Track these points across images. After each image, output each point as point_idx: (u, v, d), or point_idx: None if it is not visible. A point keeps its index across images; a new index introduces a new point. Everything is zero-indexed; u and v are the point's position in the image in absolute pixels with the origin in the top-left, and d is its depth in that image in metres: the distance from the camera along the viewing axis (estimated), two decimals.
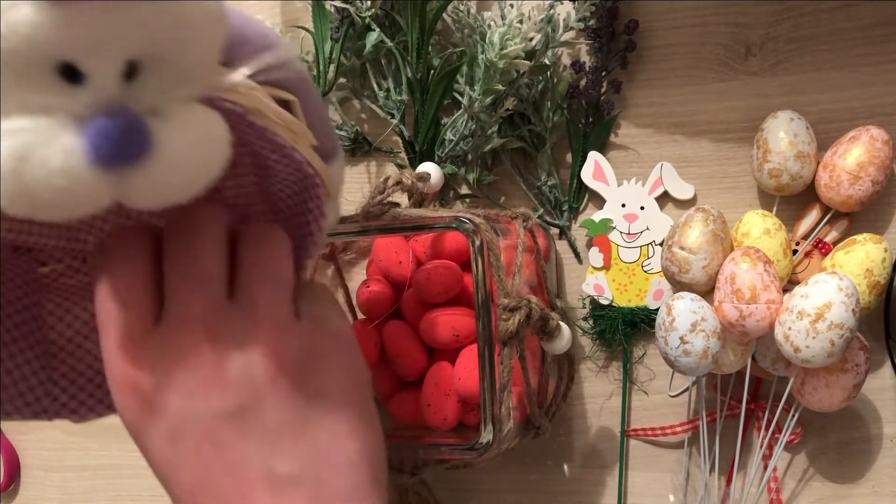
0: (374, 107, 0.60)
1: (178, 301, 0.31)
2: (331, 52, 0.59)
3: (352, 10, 0.58)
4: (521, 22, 0.52)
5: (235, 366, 0.30)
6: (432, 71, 0.57)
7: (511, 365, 0.46)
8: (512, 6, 0.52)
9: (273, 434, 0.30)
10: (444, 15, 0.56)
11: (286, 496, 0.29)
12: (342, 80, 0.61)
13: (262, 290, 0.31)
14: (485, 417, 0.46)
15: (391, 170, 0.61)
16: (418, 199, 0.54)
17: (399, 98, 0.59)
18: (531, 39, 0.54)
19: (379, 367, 0.55)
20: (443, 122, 0.58)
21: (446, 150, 0.57)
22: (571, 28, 0.55)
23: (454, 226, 0.46)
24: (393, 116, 0.59)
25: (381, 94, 0.60)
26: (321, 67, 0.59)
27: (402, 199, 0.55)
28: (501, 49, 0.51)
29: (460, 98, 0.56)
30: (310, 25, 0.59)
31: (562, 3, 0.55)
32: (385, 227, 0.49)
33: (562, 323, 0.50)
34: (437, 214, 0.48)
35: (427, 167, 0.54)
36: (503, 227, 0.49)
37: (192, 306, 0.30)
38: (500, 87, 0.53)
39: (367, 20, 0.58)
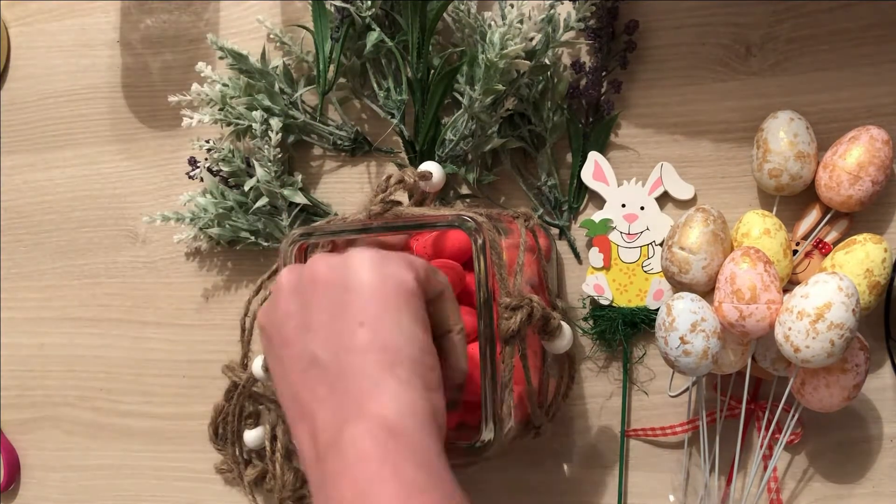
0: (374, 106, 0.60)
1: None
2: (331, 52, 0.59)
3: (352, 9, 0.58)
4: (521, 22, 0.52)
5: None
6: (432, 71, 0.57)
7: (512, 364, 0.46)
8: (512, 6, 0.52)
9: (314, 328, 0.40)
10: (444, 15, 0.56)
11: (311, 375, 0.39)
12: (342, 79, 0.61)
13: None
14: (485, 416, 0.46)
15: (393, 168, 0.61)
16: (419, 199, 0.54)
17: (399, 98, 0.59)
18: (531, 39, 0.54)
19: None
20: (443, 121, 0.58)
21: (446, 149, 0.57)
22: (572, 28, 0.55)
23: (457, 224, 0.46)
24: (393, 116, 0.59)
25: (382, 94, 0.60)
26: (321, 67, 0.59)
27: (403, 198, 0.55)
28: (502, 49, 0.51)
29: (460, 98, 0.56)
30: (310, 25, 0.59)
31: (562, 3, 0.55)
32: (387, 226, 0.49)
33: (563, 322, 0.50)
34: (439, 213, 0.49)
35: (429, 166, 0.54)
36: (505, 227, 0.49)
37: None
38: (500, 86, 0.53)
39: (368, 20, 0.58)
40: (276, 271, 0.51)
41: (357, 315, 0.39)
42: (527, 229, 0.51)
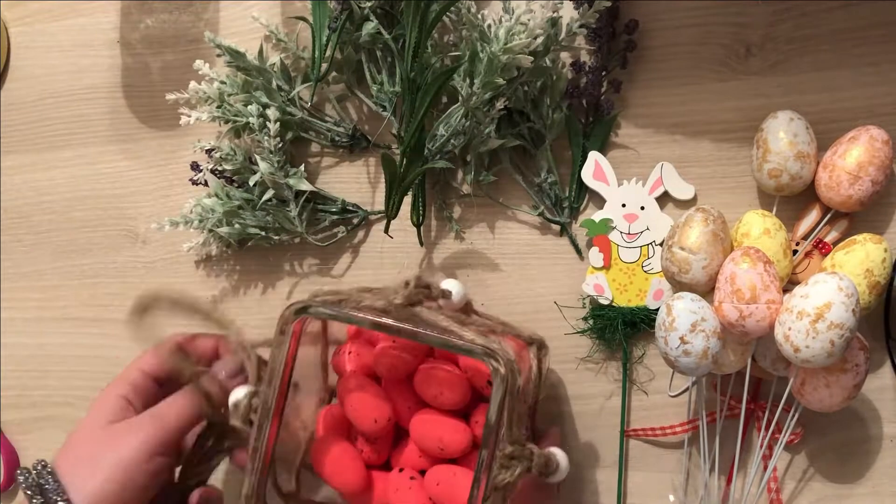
0: (366, 101, 0.61)
1: None
2: (327, 40, 0.59)
3: (353, 1, 0.58)
4: (527, 19, 0.52)
5: None
6: (427, 70, 0.56)
7: None
8: (518, 6, 0.52)
9: None
10: None
11: None
12: (338, 74, 0.61)
13: None
14: None
15: (425, 273, 0.60)
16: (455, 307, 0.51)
17: (392, 90, 0.59)
18: (536, 38, 0.54)
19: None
20: (437, 118, 0.57)
21: (437, 144, 0.57)
22: (574, 33, 0.55)
23: (482, 357, 0.43)
24: (385, 109, 0.59)
25: (375, 88, 0.60)
26: (316, 53, 0.59)
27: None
28: (506, 43, 0.51)
29: (459, 91, 0.56)
30: (310, 20, 0.59)
31: (561, 5, 0.55)
32: (400, 329, 0.46)
33: (557, 454, 0.47)
34: (464, 334, 0.46)
35: (449, 284, 0.51)
36: (519, 354, 0.48)
37: None
38: (500, 80, 0.53)
39: (366, 11, 0.58)
40: (282, 332, 0.48)
41: None
42: (538, 359, 0.49)
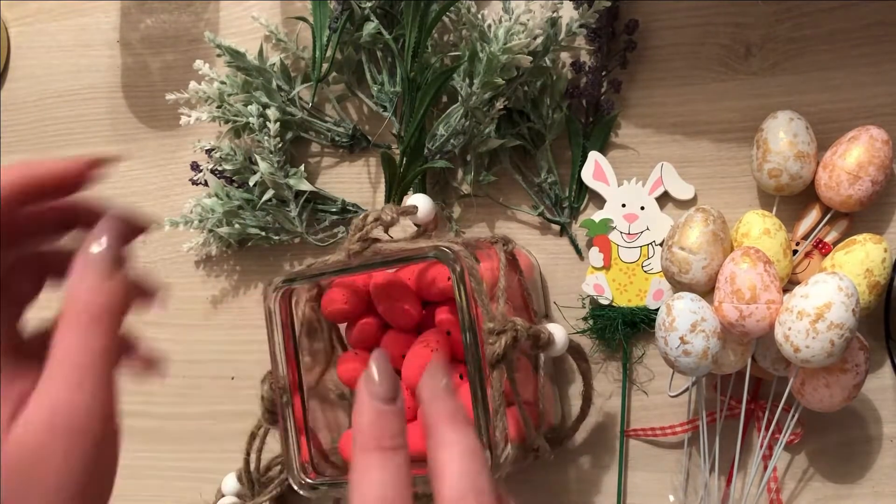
0: (367, 101, 0.61)
1: None
2: (328, 40, 0.59)
3: (353, 1, 0.58)
4: (527, 20, 0.52)
5: None
6: (427, 70, 0.56)
7: (502, 388, 0.46)
8: (517, 6, 0.52)
9: None
10: None
11: None
12: (338, 74, 0.61)
13: None
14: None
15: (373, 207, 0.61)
16: (421, 232, 0.54)
17: (392, 90, 0.59)
18: (535, 38, 0.54)
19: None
20: (437, 115, 0.57)
21: (437, 143, 0.57)
22: (574, 33, 0.55)
23: (433, 255, 0.46)
24: (385, 109, 0.59)
25: (376, 88, 0.60)
26: (317, 54, 0.59)
27: (400, 233, 0.55)
28: (506, 43, 0.51)
29: (458, 91, 0.56)
30: (310, 20, 0.59)
31: (561, 5, 0.55)
32: (366, 264, 0.49)
33: (550, 327, 0.49)
34: (417, 246, 0.48)
35: (415, 199, 0.52)
36: (487, 253, 0.49)
37: None
38: (500, 80, 0.53)
39: (367, 11, 0.58)
40: (269, 311, 0.51)
41: None
42: (506, 253, 0.50)
